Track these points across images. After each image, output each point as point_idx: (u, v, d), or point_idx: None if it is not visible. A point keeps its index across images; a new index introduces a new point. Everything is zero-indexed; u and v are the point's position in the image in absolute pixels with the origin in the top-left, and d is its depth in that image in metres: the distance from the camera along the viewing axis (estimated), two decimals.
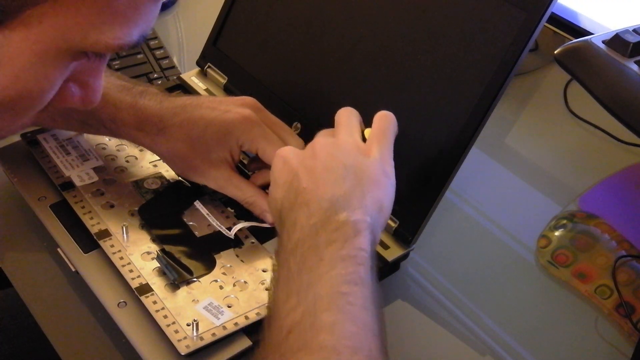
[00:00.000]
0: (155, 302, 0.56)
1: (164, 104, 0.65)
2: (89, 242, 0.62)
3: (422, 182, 0.63)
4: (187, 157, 0.65)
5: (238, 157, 0.65)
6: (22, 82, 0.43)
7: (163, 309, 0.56)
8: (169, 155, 0.66)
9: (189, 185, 0.67)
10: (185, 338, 0.54)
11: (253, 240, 0.63)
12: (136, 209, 0.64)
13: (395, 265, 0.65)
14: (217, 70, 0.80)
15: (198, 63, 0.83)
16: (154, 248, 0.61)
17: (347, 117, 0.60)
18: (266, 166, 0.65)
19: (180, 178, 0.68)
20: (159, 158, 0.70)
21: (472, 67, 0.60)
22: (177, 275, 0.58)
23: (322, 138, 0.58)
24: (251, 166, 0.68)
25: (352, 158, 0.55)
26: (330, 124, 0.64)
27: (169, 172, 0.69)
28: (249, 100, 0.66)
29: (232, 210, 0.66)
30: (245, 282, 0.59)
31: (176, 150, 0.65)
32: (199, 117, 0.63)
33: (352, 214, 0.51)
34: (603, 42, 0.59)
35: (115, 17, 0.42)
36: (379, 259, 0.63)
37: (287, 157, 0.56)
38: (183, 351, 0.53)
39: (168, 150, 0.65)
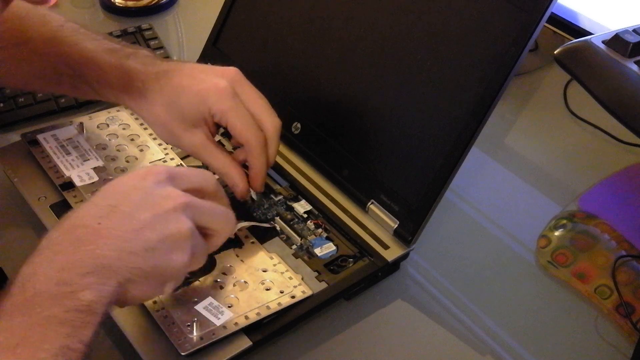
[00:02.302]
0: (155, 302, 0.56)
1: (149, 68, 0.65)
2: None
3: (422, 182, 0.63)
4: (165, 122, 0.65)
5: (213, 126, 0.65)
6: None
7: (163, 309, 0.56)
8: (151, 120, 0.67)
9: None
10: (185, 338, 0.54)
11: (253, 240, 0.63)
12: None
13: (395, 265, 0.65)
14: None
15: (198, 63, 0.83)
16: None
17: None
18: None
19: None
20: (159, 158, 0.70)
21: (472, 67, 0.60)
22: None
23: None
24: (233, 141, 0.68)
25: None
26: (329, 124, 0.64)
27: None
28: (230, 71, 0.64)
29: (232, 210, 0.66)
30: (245, 282, 0.59)
31: (156, 115, 0.65)
32: (177, 83, 0.63)
33: None
34: (603, 42, 0.59)
35: None
36: (379, 259, 0.63)
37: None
38: (183, 351, 0.53)
39: (149, 114, 0.66)
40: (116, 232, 0.48)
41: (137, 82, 0.65)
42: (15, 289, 0.45)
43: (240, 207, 0.66)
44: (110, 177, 0.67)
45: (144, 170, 0.53)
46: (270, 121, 0.64)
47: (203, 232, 0.55)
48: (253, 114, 0.63)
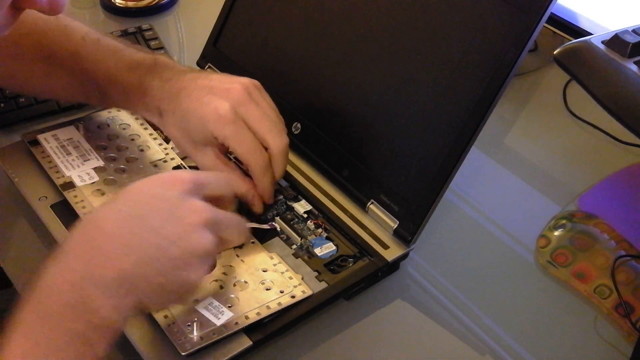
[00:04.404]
0: None
1: (165, 86, 0.65)
2: None
3: (422, 182, 0.63)
4: (179, 141, 0.66)
5: (222, 145, 0.65)
6: None
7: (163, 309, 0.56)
8: (170, 137, 0.68)
9: None
10: (185, 338, 0.54)
11: (253, 240, 0.63)
12: None
13: (395, 265, 0.65)
14: (217, 71, 0.80)
15: (198, 63, 0.83)
16: None
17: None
18: None
19: None
20: (159, 158, 0.70)
21: (472, 67, 0.61)
22: None
23: None
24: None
25: None
26: (329, 124, 0.64)
27: None
28: (236, 90, 0.63)
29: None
30: (245, 282, 0.59)
31: (171, 134, 0.67)
32: (186, 107, 0.64)
33: None
34: (602, 42, 0.59)
35: None
36: (379, 259, 0.63)
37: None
38: (183, 351, 0.53)
39: (167, 132, 0.68)
40: (141, 247, 0.48)
41: (155, 102, 0.65)
42: (35, 297, 0.46)
43: (241, 207, 0.66)
44: (111, 177, 0.67)
45: (170, 178, 0.53)
46: (274, 142, 0.63)
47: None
48: (256, 133, 0.63)
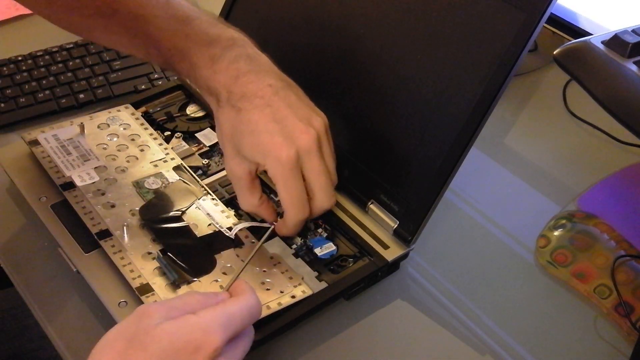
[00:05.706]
0: (155, 302, 0.56)
1: (239, 82, 0.60)
2: (90, 242, 0.62)
3: (422, 182, 0.63)
4: (223, 139, 0.62)
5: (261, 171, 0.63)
6: None
7: None
8: (218, 128, 0.63)
9: (190, 185, 0.68)
10: None
11: (253, 240, 0.63)
12: (137, 208, 0.65)
13: (395, 265, 0.65)
14: None
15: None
16: (155, 248, 0.61)
17: None
18: None
19: (180, 178, 0.68)
20: (160, 158, 0.70)
21: (472, 67, 0.61)
22: (177, 276, 0.58)
23: None
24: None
25: None
26: (329, 124, 0.64)
27: (169, 172, 0.69)
28: (309, 137, 0.59)
29: (232, 210, 0.66)
30: (245, 282, 0.59)
31: (221, 127, 0.62)
32: (250, 121, 0.59)
33: None
34: (602, 42, 0.59)
35: None
36: (379, 259, 0.63)
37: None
38: None
39: (218, 123, 0.62)
40: None
41: (224, 92, 0.61)
42: None
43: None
44: (111, 177, 0.67)
45: (198, 345, 0.46)
46: (321, 202, 0.61)
47: None
48: (309, 185, 0.60)
